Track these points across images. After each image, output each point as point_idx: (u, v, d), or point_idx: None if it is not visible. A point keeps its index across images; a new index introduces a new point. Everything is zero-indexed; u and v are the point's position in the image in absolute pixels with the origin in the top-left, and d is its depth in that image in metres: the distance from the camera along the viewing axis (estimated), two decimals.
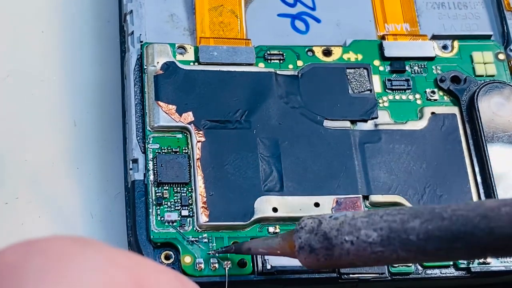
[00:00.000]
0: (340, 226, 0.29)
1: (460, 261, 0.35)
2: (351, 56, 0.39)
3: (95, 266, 0.21)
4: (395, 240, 0.28)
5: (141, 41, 0.37)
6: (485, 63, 0.39)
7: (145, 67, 0.36)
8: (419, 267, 0.35)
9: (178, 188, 0.34)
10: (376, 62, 0.39)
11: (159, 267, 0.23)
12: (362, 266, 0.30)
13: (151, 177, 0.34)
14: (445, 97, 0.38)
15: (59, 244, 0.21)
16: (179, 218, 0.34)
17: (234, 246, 0.33)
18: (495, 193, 0.36)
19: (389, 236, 0.28)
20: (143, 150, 0.35)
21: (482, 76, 0.39)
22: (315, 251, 0.29)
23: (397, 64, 0.39)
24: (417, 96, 0.38)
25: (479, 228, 0.26)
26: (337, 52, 0.39)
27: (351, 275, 0.34)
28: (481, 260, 0.35)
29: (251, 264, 0.33)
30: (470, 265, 0.35)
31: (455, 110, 0.38)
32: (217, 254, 0.33)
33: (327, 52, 0.39)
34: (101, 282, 0.20)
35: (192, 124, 0.35)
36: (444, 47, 0.40)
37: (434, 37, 0.40)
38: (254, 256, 0.34)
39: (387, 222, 0.28)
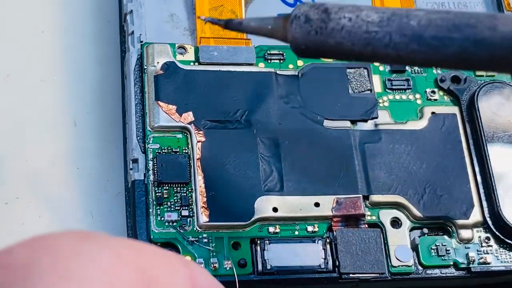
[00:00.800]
0: (343, 6, 0.28)
1: (460, 260, 0.35)
2: None
3: (103, 264, 0.21)
4: (394, 23, 0.26)
5: (141, 41, 0.37)
6: None
7: (145, 67, 0.36)
8: (419, 267, 0.35)
9: (178, 188, 0.34)
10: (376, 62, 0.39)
11: (166, 256, 0.23)
12: (347, 54, 0.28)
13: (151, 177, 0.34)
14: (445, 97, 0.38)
15: (67, 242, 0.21)
16: (179, 218, 0.34)
17: (225, 21, 0.31)
18: (495, 193, 0.36)
19: (390, 18, 0.26)
20: (143, 150, 0.35)
21: (482, 76, 0.39)
22: (309, 22, 0.28)
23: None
24: (417, 96, 0.38)
25: (483, 22, 0.25)
26: None
27: (351, 275, 0.34)
28: (481, 260, 0.35)
29: (251, 264, 0.33)
30: (470, 265, 0.35)
31: (455, 110, 0.38)
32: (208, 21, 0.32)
33: None
34: (109, 280, 0.20)
35: (192, 124, 0.35)
36: None
37: None
38: (254, 256, 0.34)
39: (392, 9, 0.27)
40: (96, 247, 0.21)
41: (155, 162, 0.35)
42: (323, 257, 0.34)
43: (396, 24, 0.26)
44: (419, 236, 0.35)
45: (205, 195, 0.34)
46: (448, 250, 0.35)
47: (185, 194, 0.34)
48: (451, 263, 0.35)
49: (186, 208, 0.34)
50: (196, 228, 0.34)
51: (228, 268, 0.33)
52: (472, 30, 0.25)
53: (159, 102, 0.36)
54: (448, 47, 0.26)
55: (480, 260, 0.35)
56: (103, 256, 0.21)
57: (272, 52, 0.38)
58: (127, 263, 0.21)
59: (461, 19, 0.25)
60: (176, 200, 0.34)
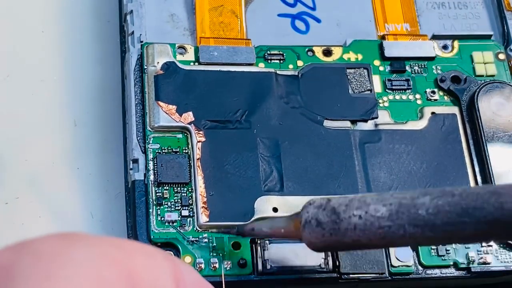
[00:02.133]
0: (349, 202, 0.28)
1: (460, 260, 0.35)
2: (351, 56, 0.39)
3: (85, 265, 0.21)
4: (403, 215, 0.27)
5: (141, 41, 0.37)
6: (485, 63, 0.39)
7: (145, 67, 0.36)
8: (419, 267, 0.35)
9: (178, 188, 0.34)
10: (376, 62, 0.39)
11: (150, 253, 0.23)
12: (366, 246, 0.29)
13: (151, 177, 0.34)
14: (445, 97, 0.38)
15: (49, 243, 0.21)
16: (179, 218, 0.34)
17: (237, 227, 0.32)
18: None
19: (398, 211, 0.27)
20: (143, 150, 0.35)
21: (482, 76, 0.39)
22: (321, 225, 0.29)
23: (397, 64, 0.39)
24: (417, 96, 0.38)
25: (489, 202, 0.26)
26: (337, 52, 0.39)
27: (351, 275, 0.34)
28: (481, 260, 0.35)
29: (251, 264, 0.33)
30: (470, 265, 0.35)
31: (455, 110, 0.38)
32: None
33: (327, 52, 0.39)
34: (91, 280, 0.20)
35: (192, 124, 0.35)
36: (444, 47, 0.40)
37: (434, 37, 0.40)
38: (254, 256, 0.34)
39: (397, 199, 0.28)
40: (78, 247, 0.21)
41: (155, 162, 0.35)
42: (323, 257, 0.34)
43: (406, 216, 0.27)
44: None
45: (205, 195, 0.34)
46: (448, 250, 0.35)
47: (185, 194, 0.34)
48: (451, 263, 0.35)
49: (186, 208, 0.34)
50: (196, 228, 0.34)
51: (228, 268, 0.33)
52: (481, 212, 0.26)
53: (159, 102, 0.36)
54: (462, 231, 0.27)
55: (480, 260, 0.35)
56: (86, 255, 0.21)
57: (272, 52, 0.38)
58: (110, 262, 0.21)
59: (467, 202, 0.26)
60: (176, 200, 0.34)
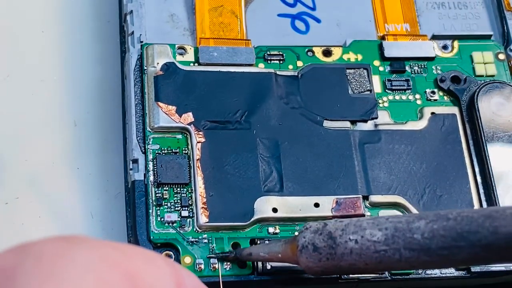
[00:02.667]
0: (345, 227, 0.29)
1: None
2: (351, 56, 0.39)
3: (87, 267, 0.21)
4: (399, 239, 0.28)
5: (141, 41, 0.37)
6: (485, 63, 0.39)
7: (145, 68, 0.36)
8: None
9: (178, 189, 0.34)
10: (376, 62, 0.39)
11: (151, 257, 0.23)
12: (363, 271, 0.30)
13: (151, 178, 0.34)
14: (445, 97, 0.38)
15: (51, 246, 0.21)
16: (179, 219, 0.34)
17: (235, 251, 0.33)
18: (495, 193, 0.36)
19: (394, 235, 0.28)
20: (143, 151, 0.35)
21: (482, 76, 0.39)
22: (318, 250, 0.29)
23: (397, 64, 0.39)
24: (417, 96, 0.38)
25: (483, 226, 0.26)
26: (337, 52, 0.39)
27: (351, 275, 0.34)
28: None
29: (251, 264, 0.33)
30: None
31: (455, 110, 0.38)
32: (216, 259, 0.33)
33: (327, 52, 0.39)
34: (93, 282, 0.20)
35: (192, 125, 0.35)
36: (444, 47, 0.40)
37: (434, 37, 0.40)
38: None
39: (393, 223, 0.28)
40: (80, 249, 0.21)
41: (155, 162, 0.35)
42: None
43: (402, 241, 0.28)
44: None
45: (204, 196, 0.34)
46: None
47: (185, 195, 0.34)
48: None
49: (186, 208, 0.34)
50: (196, 229, 0.34)
51: (228, 269, 0.33)
52: (475, 236, 0.26)
53: (159, 102, 0.36)
54: (457, 255, 0.27)
55: None
56: (87, 258, 0.21)
57: (272, 52, 0.38)
58: (112, 265, 0.21)
59: (462, 226, 0.27)
60: (176, 201, 0.34)
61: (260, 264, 0.33)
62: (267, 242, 0.33)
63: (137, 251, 0.23)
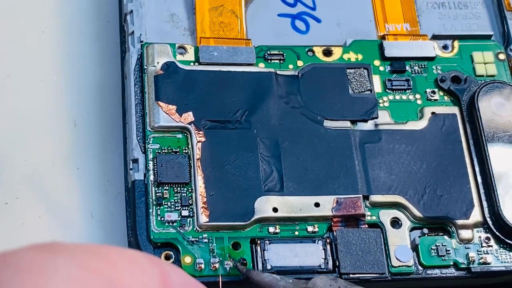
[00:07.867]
0: None
1: (460, 261, 0.35)
2: (351, 56, 0.39)
3: (67, 277, 0.20)
4: None
5: (141, 41, 0.37)
6: (485, 63, 0.39)
7: (145, 67, 0.36)
8: (419, 267, 0.35)
9: (178, 188, 0.34)
10: (376, 62, 0.39)
11: (135, 259, 0.23)
12: None
13: (151, 177, 0.34)
14: (446, 97, 0.38)
15: (30, 256, 0.21)
16: (179, 218, 0.34)
17: (246, 269, 0.32)
18: (495, 193, 0.36)
19: None
20: (143, 150, 0.35)
21: (483, 76, 0.39)
22: None
23: (397, 64, 0.39)
24: (417, 96, 0.38)
25: None
26: (337, 52, 0.39)
27: (351, 275, 0.34)
28: (481, 260, 0.35)
29: (251, 264, 0.33)
30: (470, 265, 0.35)
31: (455, 110, 0.38)
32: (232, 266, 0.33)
33: (327, 52, 0.39)
34: None
35: (192, 124, 0.35)
36: (445, 47, 0.40)
37: (435, 37, 0.40)
38: (254, 256, 0.34)
39: None
40: (60, 259, 0.21)
41: (155, 162, 0.35)
42: (323, 257, 0.34)
43: None
44: (419, 236, 0.35)
45: (205, 195, 0.34)
46: (448, 250, 0.35)
47: (185, 194, 0.34)
48: (451, 263, 0.35)
49: (186, 208, 0.34)
50: (196, 228, 0.34)
51: (228, 268, 0.33)
52: None
53: (159, 102, 0.36)
54: None
55: (480, 260, 0.35)
56: (68, 268, 0.21)
57: (272, 52, 0.38)
58: (93, 274, 0.21)
59: None
60: (176, 200, 0.34)
61: (260, 264, 0.33)
62: (279, 277, 0.32)
63: (120, 255, 0.22)
